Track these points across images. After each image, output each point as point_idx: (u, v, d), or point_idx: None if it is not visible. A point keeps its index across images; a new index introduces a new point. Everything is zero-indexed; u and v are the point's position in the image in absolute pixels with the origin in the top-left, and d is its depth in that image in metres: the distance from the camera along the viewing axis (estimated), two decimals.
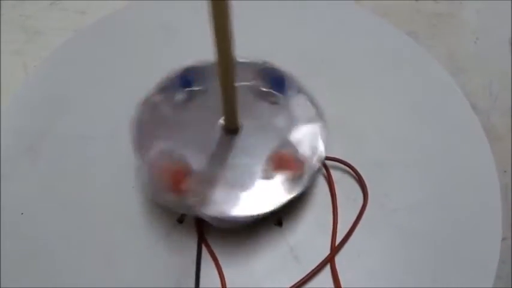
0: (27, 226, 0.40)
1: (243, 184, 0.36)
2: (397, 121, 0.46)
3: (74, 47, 0.52)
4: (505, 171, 0.52)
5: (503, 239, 0.38)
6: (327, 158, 0.40)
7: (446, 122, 0.46)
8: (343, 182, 0.41)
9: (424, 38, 0.60)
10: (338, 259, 0.37)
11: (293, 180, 0.35)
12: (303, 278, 0.36)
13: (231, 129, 0.39)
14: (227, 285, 0.35)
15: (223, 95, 0.35)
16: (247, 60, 0.42)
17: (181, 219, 0.39)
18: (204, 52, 0.42)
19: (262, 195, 0.35)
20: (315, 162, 0.37)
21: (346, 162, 0.41)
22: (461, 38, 0.60)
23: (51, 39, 0.54)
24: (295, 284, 0.36)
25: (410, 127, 0.46)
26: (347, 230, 0.38)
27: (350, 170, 0.41)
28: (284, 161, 0.36)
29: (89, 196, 0.41)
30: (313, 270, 0.36)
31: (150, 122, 0.39)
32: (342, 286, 0.35)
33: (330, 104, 0.41)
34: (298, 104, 0.40)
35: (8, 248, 0.38)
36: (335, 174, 0.41)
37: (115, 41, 0.53)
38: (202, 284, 0.35)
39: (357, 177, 0.41)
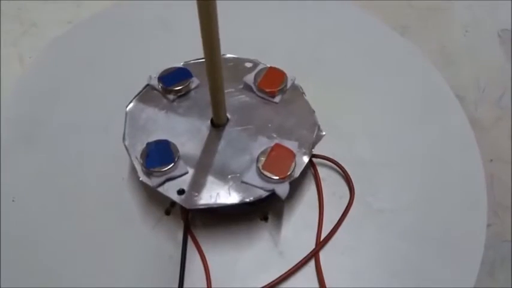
0: (21, 214, 0.40)
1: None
2: (386, 120, 0.46)
3: (70, 39, 0.53)
4: (491, 160, 0.53)
5: (489, 225, 0.39)
6: (314, 156, 0.41)
7: (434, 119, 0.47)
8: (330, 179, 0.42)
9: (415, 31, 0.60)
10: (322, 255, 0.38)
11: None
12: (287, 272, 0.36)
13: (218, 123, 0.39)
14: (211, 278, 0.36)
15: (211, 90, 0.35)
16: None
17: (168, 211, 0.40)
18: (199, 47, 0.43)
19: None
20: (301, 164, 0.37)
21: (333, 159, 0.41)
22: (452, 31, 0.60)
23: (46, 31, 0.55)
24: (280, 276, 0.36)
25: (398, 125, 0.46)
26: (331, 226, 0.39)
27: (337, 168, 0.42)
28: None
29: (80, 186, 0.42)
30: (297, 264, 0.37)
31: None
32: (325, 281, 0.36)
33: (320, 103, 0.41)
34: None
35: (2, 235, 0.39)
36: (322, 172, 0.42)
37: (111, 34, 0.53)
38: (187, 277, 0.36)
39: (343, 175, 0.41)
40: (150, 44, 0.52)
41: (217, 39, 0.31)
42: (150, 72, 0.42)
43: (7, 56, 0.53)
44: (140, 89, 0.42)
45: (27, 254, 0.38)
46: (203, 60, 0.33)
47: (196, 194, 0.36)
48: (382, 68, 0.51)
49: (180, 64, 0.43)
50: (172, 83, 0.41)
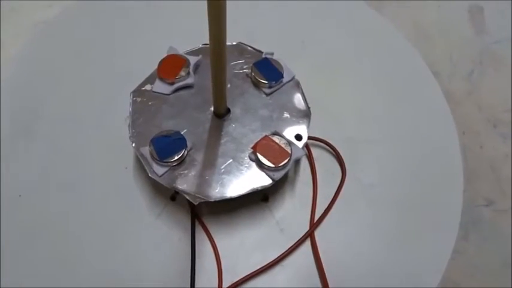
0: (26, 208, 0.41)
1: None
2: (371, 100, 0.49)
3: (60, 25, 0.52)
4: (464, 133, 0.57)
5: (464, 191, 0.43)
6: (308, 138, 0.43)
7: (414, 96, 0.50)
8: (322, 158, 0.45)
9: (390, 7, 0.62)
10: (319, 231, 0.41)
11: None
12: (285, 252, 0.40)
13: (220, 113, 0.41)
14: (220, 256, 0.39)
15: (213, 78, 0.36)
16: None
17: (173, 197, 0.42)
18: (190, 31, 0.44)
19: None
20: (298, 154, 0.39)
21: (325, 141, 0.44)
22: (425, 6, 0.62)
23: (26, 16, 0.53)
24: (280, 255, 0.39)
25: (381, 103, 0.49)
26: (327, 202, 0.42)
27: (329, 148, 0.45)
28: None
29: (83, 177, 0.43)
30: (294, 244, 0.40)
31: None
32: (324, 253, 0.40)
33: (309, 84, 0.44)
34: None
35: (7, 230, 0.40)
36: (315, 152, 0.45)
37: (103, 21, 0.53)
38: (197, 255, 0.39)
39: (335, 154, 0.44)
40: (144, 30, 0.52)
41: (225, 28, 0.31)
42: (148, 58, 0.43)
43: None
44: (139, 75, 0.42)
45: (33, 247, 0.40)
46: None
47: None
48: (362, 48, 0.53)
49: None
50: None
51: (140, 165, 0.42)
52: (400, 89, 0.50)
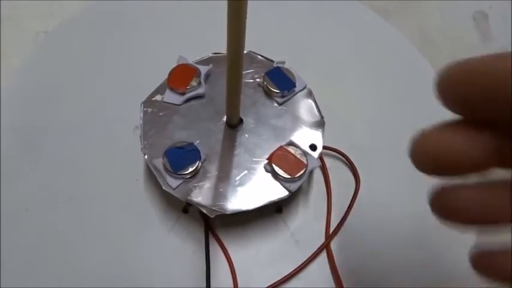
0: (33, 224, 0.40)
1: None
2: (381, 107, 0.49)
3: (62, 35, 0.51)
4: None
5: None
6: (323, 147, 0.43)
7: (422, 101, 0.49)
8: (335, 168, 0.44)
9: (396, 14, 0.62)
10: (335, 242, 0.41)
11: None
12: (301, 264, 0.39)
13: (233, 124, 0.40)
14: (235, 269, 0.38)
15: (228, 87, 0.35)
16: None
17: (186, 209, 0.41)
18: (199, 40, 0.44)
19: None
20: (313, 165, 0.39)
21: (339, 151, 0.44)
22: (429, 12, 0.62)
23: (25, 24, 0.52)
24: (294, 269, 0.39)
25: (394, 112, 0.49)
26: (342, 213, 0.42)
27: (341, 157, 0.44)
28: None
29: (93, 191, 0.42)
30: (310, 256, 0.40)
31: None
32: (338, 268, 0.39)
33: (317, 93, 0.43)
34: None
35: (14, 246, 0.39)
36: (327, 162, 0.44)
37: (110, 30, 0.52)
38: (212, 268, 0.38)
39: (349, 164, 0.44)
40: (148, 38, 0.51)
41: (244, 36, 0.31)
42: (157, 68, 0.41)
43: None
44: (148, 85, 0.42)
45: (42, 263, 0.39)
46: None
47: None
48: (370, 55, 0.53)
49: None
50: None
51: (151, 177, 0.41)
52: (411, 95, 0.50)
